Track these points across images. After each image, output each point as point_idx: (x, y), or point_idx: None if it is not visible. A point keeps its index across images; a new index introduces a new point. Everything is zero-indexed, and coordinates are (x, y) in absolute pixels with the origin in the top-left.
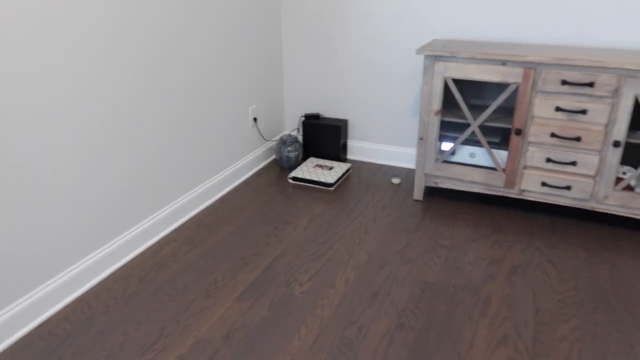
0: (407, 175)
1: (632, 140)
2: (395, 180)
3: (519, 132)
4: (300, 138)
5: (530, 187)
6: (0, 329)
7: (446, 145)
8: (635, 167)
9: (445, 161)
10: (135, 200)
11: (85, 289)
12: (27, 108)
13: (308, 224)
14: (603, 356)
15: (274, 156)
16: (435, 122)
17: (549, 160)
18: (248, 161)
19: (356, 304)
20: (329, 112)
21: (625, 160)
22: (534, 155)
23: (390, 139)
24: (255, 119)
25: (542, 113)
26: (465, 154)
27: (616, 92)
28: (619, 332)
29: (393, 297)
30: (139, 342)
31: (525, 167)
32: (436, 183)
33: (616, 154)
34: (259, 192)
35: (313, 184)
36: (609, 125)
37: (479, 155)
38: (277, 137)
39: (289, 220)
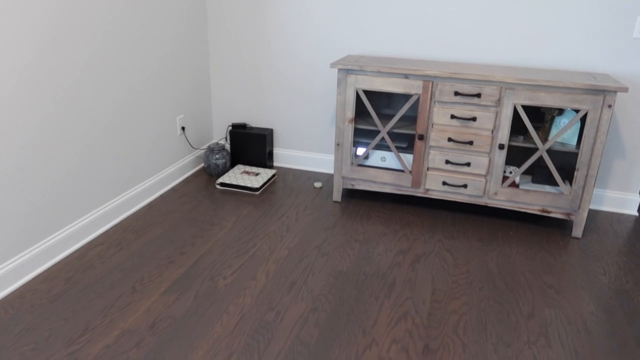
0: (329, 179)
1: (514, 143)
2: (317, 184)
3: (421, 137)
4: (227, 146)
5: (434, 187)
6: None
7: (360, 151)
8: (519, 167)
9: (359, 165)
10: (61, 205)
11: (9, 291)
12: None
13: (234, 225)
14: (484, 324)
15: (202, 164)
16: (349, 130)
17: (447, 162)
18: (176, 169)
19: (275, 293)
20: (255, 122)
21: (510, 161)
22: (435, 158)
23: (312, 146)
24: (183, 128)
25: (440, 120)
26: (377, 158)
27: (499, 102)
28: (499, 305)
29: (309, 285)
30: (65, 335)
31: (428, 169)
32: (352, 185)
33: (502, 156)
34: (187, 198)
35: (240, 188)
36: (494, 131)
37: (389, 159)
38: (206, 146)
39: (215, 222)
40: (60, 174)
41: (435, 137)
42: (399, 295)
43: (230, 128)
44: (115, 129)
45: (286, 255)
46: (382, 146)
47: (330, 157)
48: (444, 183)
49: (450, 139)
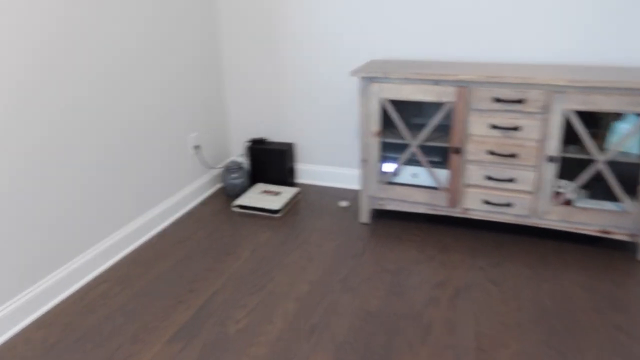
0: (356, 197)
1: (566, 154)
2: (343, 204)
3: (457, 150)
4: (246, 164)
5: (473, 206)
6: None
7: (387, 166)
8: (572, 181)
9: (388, 182)
10: (62, 239)
11: (1, 341)
12: None
13: (251, 254)
14: None
15: (221, 184)
16: (375, 144)
17: (488, 177)
18: (191, 191)
19: (294, 340)
20: (276, 136)
21: (561, 175)
22: (474, 174)
23: (338, 160)
24: (196, 147)
25: (477, 131)
26: (408, 174)
27: (546, 108)
28: (558, 354)
29: (332, 330)
30: None
31: (466, 186)
32: (381, 205)
33: (551, 169)
34: (202, 223)
35: (258, 211)
36: (542, 141)
37: (421, 175)
38: (223, 164)
39: (230, 252)
40: (62, 204)
41: (473, 150)
42: (437, 342)
43: (248, 144)
44: (120, 153)
45: (307, 290)
46: (413, 161)
47: (357, 172)
48: (485, 202)
49: (490, 152)
